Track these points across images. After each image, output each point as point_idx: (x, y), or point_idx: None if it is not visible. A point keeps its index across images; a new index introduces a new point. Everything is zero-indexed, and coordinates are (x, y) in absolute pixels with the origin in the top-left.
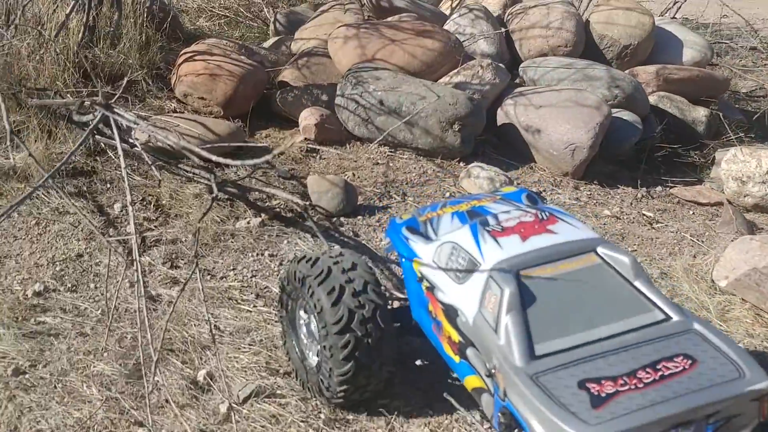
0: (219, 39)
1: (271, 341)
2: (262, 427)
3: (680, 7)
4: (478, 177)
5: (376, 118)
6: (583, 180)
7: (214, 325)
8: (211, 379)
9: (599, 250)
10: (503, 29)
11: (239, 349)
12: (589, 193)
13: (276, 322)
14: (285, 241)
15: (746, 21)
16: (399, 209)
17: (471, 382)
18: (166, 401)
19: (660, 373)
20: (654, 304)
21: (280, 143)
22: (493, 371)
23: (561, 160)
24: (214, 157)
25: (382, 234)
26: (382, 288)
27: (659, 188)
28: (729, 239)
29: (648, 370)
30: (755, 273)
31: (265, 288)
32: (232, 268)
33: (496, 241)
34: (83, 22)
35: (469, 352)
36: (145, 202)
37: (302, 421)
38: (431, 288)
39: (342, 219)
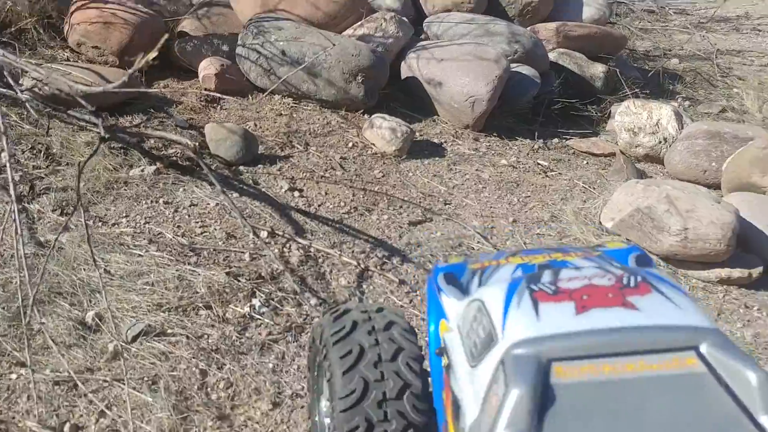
0: None
1: (163, 284)
2: (152, 364)
3: None
4: (381, 127)
5: (279, 69)
6: (483, 132)
7: (105, 269)
8: (99, 320)
9: (704, 349)
10: None
11: (130, 291)
12: (488, 144)
13: (167, 265)
14: (181, 189)
15: None
16: (300, 158)
17: None
18: (53, 341)
19: None
20: None
21: (179, 94)
22: None
23: (461, 112)
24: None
25: (283, 182)
26: (424, 362)
27: (556, 140)
28: (619, 186)
29: None
30: (638, 213)
31: (158, 234)
32: (124, 215)
33: (536, 307)
34: None
35: None
36: (35, 151)
37: (192, 358)
38: (448, 367)
39: (242, 168)
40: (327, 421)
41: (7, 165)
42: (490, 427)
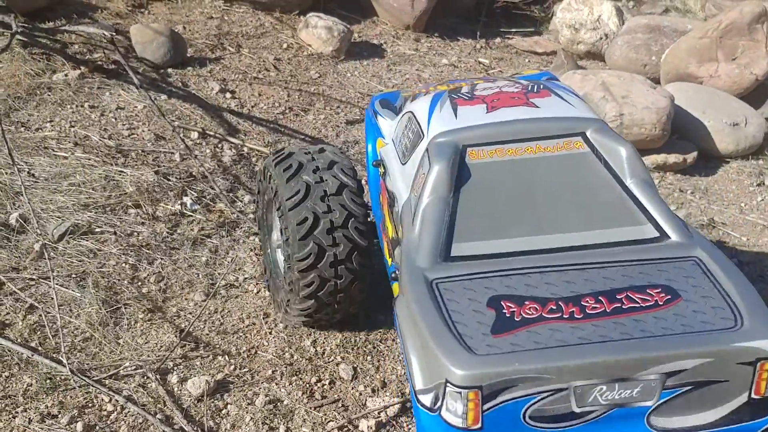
0: None
1: (90, 184)
2: (79, 261)
3: None
4: (316, 27)
5: None
6: (425, 33)
7: (29, 172)
8: (24, 222)
9: (590, 134)
10: None
11: (55, 192)
12: (429, 44)
13: (93, 166)
14: (107, 93)
15: None
16: (232, 60)
17: (396, 288)
18: None
19: (615, 306)
20: (648, 215)
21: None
22: (401, 278)
23: (401, 12)
24: None
25: (214, 83)
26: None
27: (498, 40)
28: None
29: (600, 298)
30: None
31: (84, 137)
32: (48, 120)
33: (455, 110)
34: None
35: (397, 251)
36: None
37: (122, 254)
38: (384, 173)
39: (170, 70)
40: (279, 251)
41: None
42: (417, 199)
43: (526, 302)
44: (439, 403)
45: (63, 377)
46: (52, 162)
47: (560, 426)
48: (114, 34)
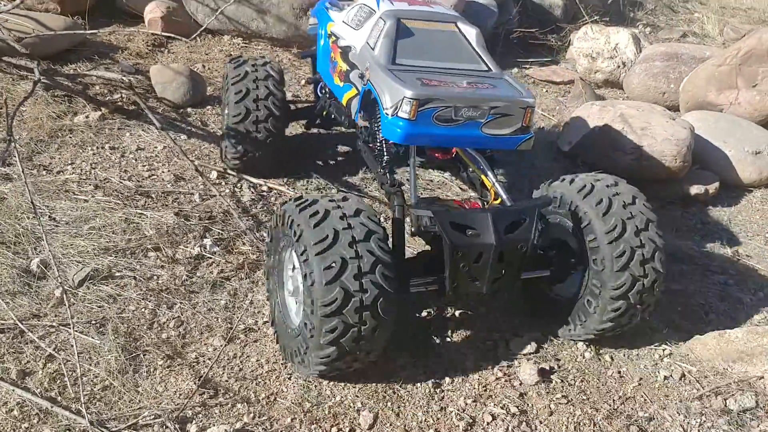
0: None
1: (110, 227)
2: (99, 307)
3: None
4: None
5: (227, 8)
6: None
7: (49, 216)
8: (45, 267)
9: (458, 23)
10: None
11: (76, 236)
12: None
13: (114, 209)
14: (127, 134)
15: None
16: None
17: (347, 96)
18: None
19: (471, 86)
20: (482, 60)
21: (125, 39)
22: (365, 71)
23: None
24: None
25: None
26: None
27: (515, 70)
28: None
29: (465, 83)
30: (593, 134)
31: (105, 179)
32: (70, 162)
33: (391, 1)
34: None
35: (351, 74)
36: None
37: (142, 299)
38: (336, 40)
39: (190, 109)
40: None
41: None
42: (376, 39)
43: (432, 80)
44: (397, 110)
45: (82, 428)
46: (72, 205)
47: (445, 125)
48: (131, 79)
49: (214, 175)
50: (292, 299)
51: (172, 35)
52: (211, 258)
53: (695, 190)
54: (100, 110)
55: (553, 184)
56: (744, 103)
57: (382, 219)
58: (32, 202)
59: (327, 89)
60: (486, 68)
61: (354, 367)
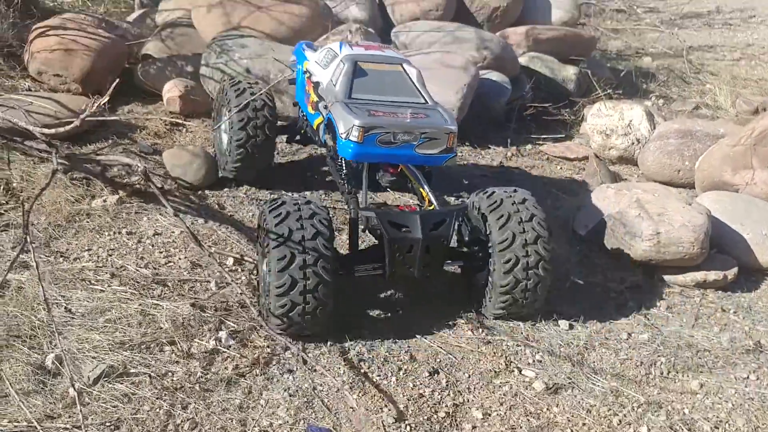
0: (77, 13)
1: (126, 320)
2: (114, 407)
3: None
4: None
5: None
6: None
7: (65, 308)
8: (60, 364)
9: (404, 65)
10: None
11: (92, 329)
12: (461, 154)
13: (130, 300)
14: (145, 218)
15: None
16: (268, 179)
17: (317, 122)
18: (12, 388)
19: (409, 116)
20: (421, 94)
21: (143, 119)
22: (329, 103)
23: None
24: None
25: (251, 206)
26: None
27: (529, 146)
28: (591, 191)
29: (403, 113)
30: (610, 219)
31: (121, 267)
32: (86, 248)
33: (351, 47)
34: None
35: (320, 105)
36: None
37: (156, 398)
38: (310, 76)
39: (207, 192)
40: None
41: None
42: (337, 78)
43: (378, 111)
44: (348, 135)
45: None
46: (89, 296)
47: (386, 146)
48: (146, 165)
49: (230, 261)
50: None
51: (180, 122)
52: (226, 352)
53: (713, 276)
54: (118, 193)
55: (477, 194)
56: (760, 183)
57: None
58: (45, 299)
59: (303, 114)
60: (424, 101)
61: (304, 333)
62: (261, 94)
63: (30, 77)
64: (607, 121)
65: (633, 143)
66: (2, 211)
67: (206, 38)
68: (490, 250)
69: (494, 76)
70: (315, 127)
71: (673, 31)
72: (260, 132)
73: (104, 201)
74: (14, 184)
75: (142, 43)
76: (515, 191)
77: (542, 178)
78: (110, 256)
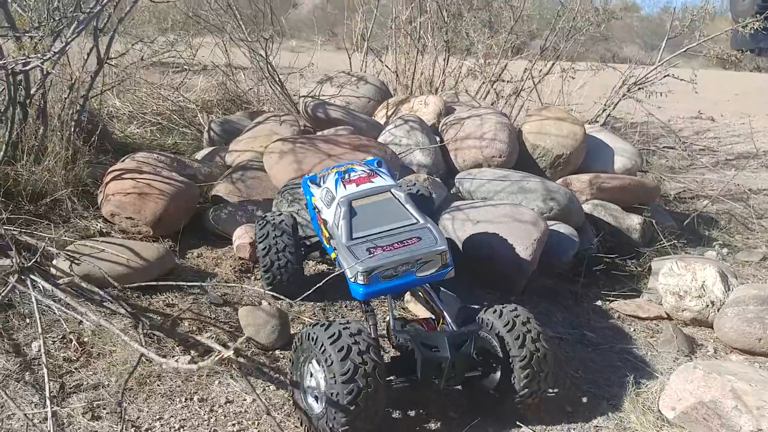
0: (150, 151)
1: None
2: None
3: (609, 114)
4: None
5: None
6: (524, 296)
7: None
8: None
9: (392, 190)
10: (438, 140)
11: None
12: (531, 311)
13: None
14: (216, 382)
15: (662, 122)
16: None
17: (333, 255)
18: None
19: (403, 244)
20: (411, 215)
21: (213, 264)
22: (335, 248)
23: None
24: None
25: None
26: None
27: (599, 303)
28: (671, 359)
29: (397, 243)
30: (702, 407)
31: None
32: (158, 417)
33: (345, 186)
34: (5, 139)
35: (332, 241)
36: (65, 340)
37: None
38: (319, 211)
39: (278, 352)
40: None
41: (45, 371)
42: (338, 221)
43: (377, 248)
44: (355, 279)
45: None
46: None
47: (390, 279)
48: (238, 347)
49: None
50: (310, 396)
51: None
52: None
53: None
54: (190, 353)
55: (487, 312)
56: None
57: None
58: None
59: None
60: (415, 221)
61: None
62: (281, 223)
63: (102, 218)
64: (680, 281)
65: (707, 306)
66: (73, 369)
67: (277, 183)
68: (510, 362)
69: (561, 228)
70: (333, 259)
71: (728, 173)
72: (282, 257)
73: (176, 361)
74: (86, 339)
75: (211, 184)
76: (515, 308)
77: (618, 342)
78: (182, 427)
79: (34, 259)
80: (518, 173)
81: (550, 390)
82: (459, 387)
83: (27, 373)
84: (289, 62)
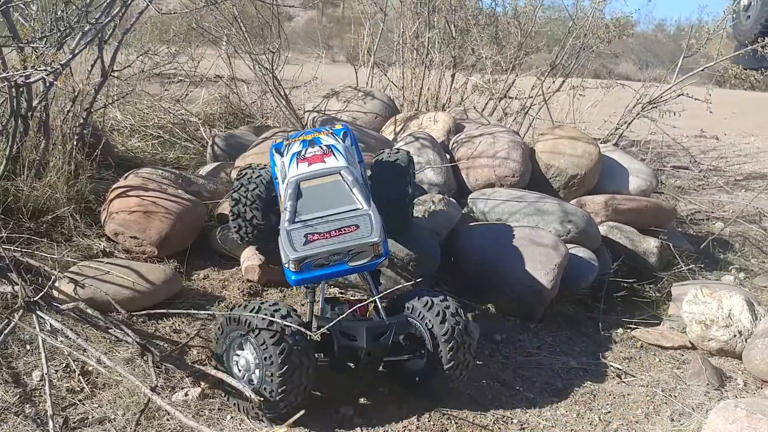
0: (154, 167)
1: None
2: None
3: (622, 134)
4: None
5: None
6: (542, 323)
7: None
8: None
9: (342, 171)
10: (448, 158)
11: None
12: (551, 339)
13: None
14: (228, 417)
15: (675, 141)
16: None
17: None
18: None
19: (340, 232)
20: (357, 199)
21: (221, 286)
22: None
23: (518, 303)
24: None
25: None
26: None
27: (620, 330)
28: (701, 392)
29: (335, 231)
30: None
31: None
32: None
33: (297, 165)
34: (5, 153)
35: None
36: (69, 370)
37: None
38: (278, 183)
39: None
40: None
41: (48, 403)
42: (284, 201)
43: (315, 234)
44: (288, 265)
45: None
46: None
47: (321, 267)
48: (259, 399)
49: None
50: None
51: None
52: None
53: None
54: (200, 385)
55: (411, 300)
56: None
57: None
58: None
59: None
60: (359, 206)
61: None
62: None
63: (105, 237)
64: (705, 309)
65: (735, 336)
66: (77, 401)
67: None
68: (434, 340)
69: (580, 251)
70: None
71: (740, 194)
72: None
73: (186, 395)
74: (90, 368)
75: (218, 202)
76: (433, 291)
77: (644, 373)
78: None
79: (42, 292)
80: (534, 194)
81: (475, 360)
82: (382, 370)
83: (27, 405)
84: (292, 75)
